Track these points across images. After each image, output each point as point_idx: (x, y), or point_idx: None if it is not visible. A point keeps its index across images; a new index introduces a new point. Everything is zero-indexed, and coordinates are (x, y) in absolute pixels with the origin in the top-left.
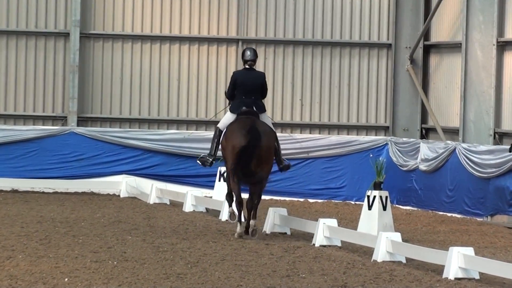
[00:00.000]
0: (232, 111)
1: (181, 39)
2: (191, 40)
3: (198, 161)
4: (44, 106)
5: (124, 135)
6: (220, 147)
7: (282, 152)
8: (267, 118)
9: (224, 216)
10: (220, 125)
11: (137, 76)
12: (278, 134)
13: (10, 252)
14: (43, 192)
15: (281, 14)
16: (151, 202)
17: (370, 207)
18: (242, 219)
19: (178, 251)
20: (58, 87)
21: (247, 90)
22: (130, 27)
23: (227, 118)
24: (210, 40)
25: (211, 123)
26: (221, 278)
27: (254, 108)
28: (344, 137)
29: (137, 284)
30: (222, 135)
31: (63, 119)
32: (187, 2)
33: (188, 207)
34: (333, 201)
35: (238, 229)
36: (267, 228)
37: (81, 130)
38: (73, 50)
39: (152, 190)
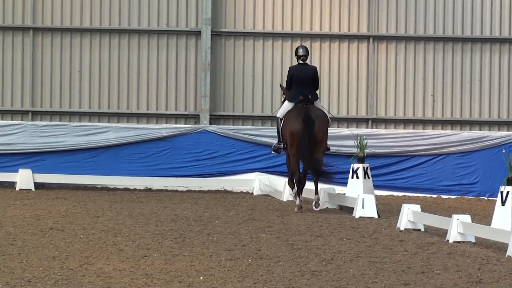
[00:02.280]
0: (290, 100)
1: (312, 36)
2: (322, 37)
3: (272, 151)
4: (176, 104)
5: (257, 132)
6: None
7: (414, 148)
8: (321, 105)
9: (286, 197)
10: (279, 114)
11: (268, 73)
12: (410, 130)
13: (145, 251)
14: (176, 191)
15: (411, 10)
16: (284, 200)
17: (503, 203)
18: (302, 195)
19: (312, 249)
20: (190, 85)
21: (302, 82)
22: (261, 25)
23: (284, 107)
24: (341, 37)
25: (343, 120)
26: (356, 275)
27: (310, 97)
28: (476, 133)
29: (272, 282)
30: (282, 122)
31: (195, 117)
32: None
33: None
34: (466, 197)
35: (298, 202)
36: (401, 224)
37: (213, 128)
38: (204, 48)
39: (285, 187)
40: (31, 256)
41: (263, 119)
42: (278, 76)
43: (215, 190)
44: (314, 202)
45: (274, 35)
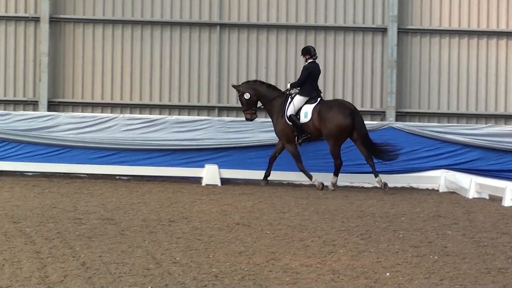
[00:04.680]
0: (304, 95)
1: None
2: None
3: (298, 144)
4: (362, 101)
5: (442, 129)
6: (310, 124)
7: None
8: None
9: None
10: (292, 112)
11: (454, 70)
12: None
13: (332, 247)
14: (362, 187)
15: None
16: (470, 197)
17: None
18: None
19: (498, 246)
20: (376, 82)
21: (315, 78)
22: (447, 22)
23: (298, 101)
24: None
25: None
26: None
27: (320, 92)
28: None
29: (458, 279)
30: (316, 114)
31: (381, 114)
32: None
33: (507, 202)
34: None
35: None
36: None
37: (399, 125)
38: (390, 45)
39: (471, 184)
40: (217, 251)
41: (449, 116)
42: (464, 73)
43: (401, 187)
44: (383, 184)
45: (460, 33)
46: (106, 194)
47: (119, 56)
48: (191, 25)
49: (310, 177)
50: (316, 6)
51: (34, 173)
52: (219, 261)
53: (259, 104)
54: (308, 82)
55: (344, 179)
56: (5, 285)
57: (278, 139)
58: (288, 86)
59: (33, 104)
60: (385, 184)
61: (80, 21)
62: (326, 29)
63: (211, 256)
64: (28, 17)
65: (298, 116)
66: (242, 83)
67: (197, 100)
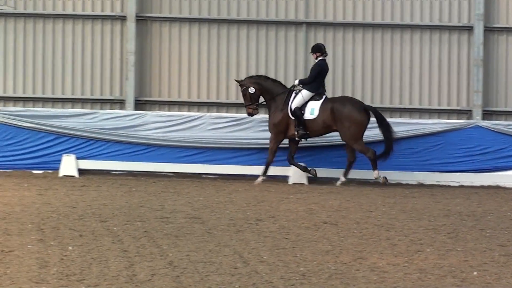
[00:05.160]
0: (310, 90)
1: None
2: None
3: (297, 138)
4: (448, 99)
5: None
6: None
7: None
8: None
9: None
10: (297, 104)
11: None
12: None
13: (419, 246)
14: (448, 186)
15: None
16: None
17: None
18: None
19: None
20: (462, 81)
21: (324, 76)
22: None
23: (306, 95)
24: None
25: None
26: None
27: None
28: None
29: None
30: (334, 110)
31: (467, 113)
32: None
33: None
34: None
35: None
36: None
37: (485, 123)
38: (477, 44)
39: None
40: (305, 250)
41: None
42: None
43: (487, 186)
44: (382, 178)
45: None
46: (193, 193)
47: (205, 54)
48: (277, 23)
49: (264, 173)
50: (402, 5)
51: (121, 172)
52: (306, 260)
53: (261, 99)
54: (317, 80)
55: (431, 178)
56: (93, 283)
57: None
58: (296, 82)
59: (120, 103)
60: (385, 178)
61: (166, 20)
62: (412, 27)
63: (298, 255)
64: (114, 16)
65: (302, 111)
66: (245, 78)
67: None
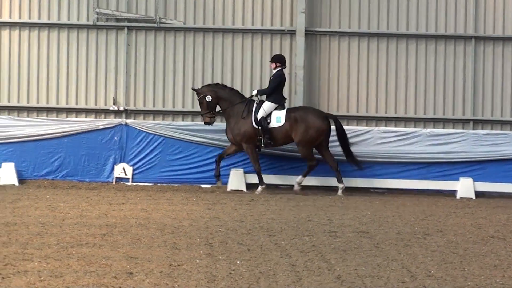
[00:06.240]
0: (274, 102)
1: None
2: None
3: (262, 145)
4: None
5: None
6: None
7: None
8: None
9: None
10: (263, 114)
11: None
12: None
13: None
14: None
15: None
16: None
17: None
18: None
19: None
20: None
21: (283, 86)
22: None
23: (269, 107)
24: None
25: None
26: None
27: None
28: None
29: None
30: (297, 118)
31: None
32: None
33: None
34: None
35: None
36: None
37: None
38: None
39: None
40: (472, 264)
41: None
42: None
43: None
44: (342, 188)
45: None
46: (361, 207)
47: (374, 68)
48: (446, 38)
49: (261, 182)
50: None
51: (288, 186)
52: (474, 274)
53: (218, 108)
54: (278, 90)
55: None
56: None
57: (231, 144)
58: (254, 92)
59: None
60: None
61: (335, 34)
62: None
63: (465, 269)
64: (284, 31)
65: (268, 120)
66: (203, 86)
67: (451, 113)
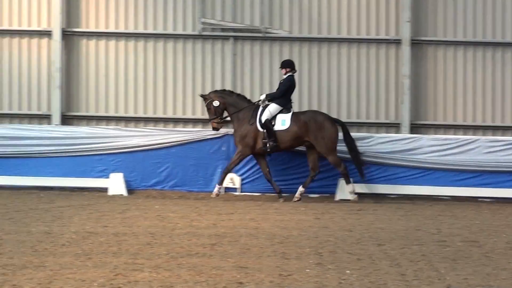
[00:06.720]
0: (280, 104)
1: None
2: None
3: (268, 149)
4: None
5: None
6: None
7: None
8: None
9: None
10: (267, 117)
11: None
12: None
13: None
14: None
15: None
16: None
17: None
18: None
19: None
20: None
21: (292, 91)
22: None
23: (274, 109)
24: None
25: None
26: None
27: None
28: None
29: None
30: (307, 122)
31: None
32: None
33: None
34: None
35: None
36: None
37: None
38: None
39: None
40: None
41: None
42: None
43: None
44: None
45: None
46: (470, 216)
47: (480, 77)
48: None
49: (220, 182)
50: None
51: (397, 195)
52: None
53: (225, 113)
54: (286, 95)
55: None
56: None
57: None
58: (263, 97)
59: (395, 127)
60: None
61: (441, 43)
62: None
63: None
64: (389, 40)
65: (273, 123)
66: (210, 92)
67: None
